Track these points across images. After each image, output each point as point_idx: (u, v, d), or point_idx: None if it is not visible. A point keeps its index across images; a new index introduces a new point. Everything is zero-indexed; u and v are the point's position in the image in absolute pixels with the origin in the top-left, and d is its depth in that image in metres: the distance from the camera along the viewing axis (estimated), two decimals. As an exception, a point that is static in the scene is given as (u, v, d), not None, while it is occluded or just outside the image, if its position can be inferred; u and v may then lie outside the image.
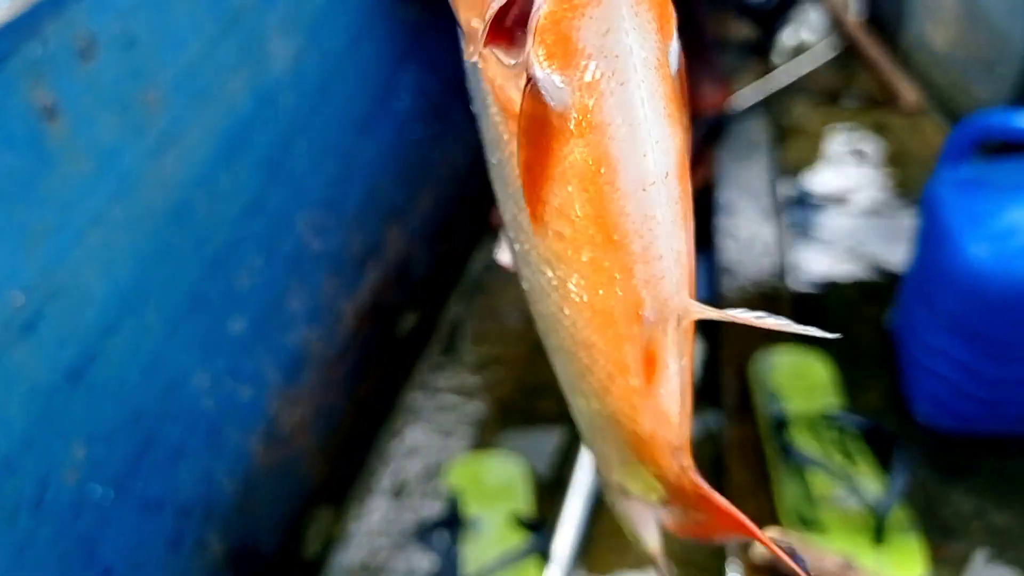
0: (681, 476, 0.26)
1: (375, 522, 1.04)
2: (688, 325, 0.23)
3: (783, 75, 1.78)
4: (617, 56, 0.19)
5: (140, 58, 0.78)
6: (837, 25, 1.74)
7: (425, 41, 1.35)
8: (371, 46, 1.19)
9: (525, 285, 0.27)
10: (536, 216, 0.22)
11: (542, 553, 0.95)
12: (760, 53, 1.92)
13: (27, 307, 0.65)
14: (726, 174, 1.51)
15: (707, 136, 1.63)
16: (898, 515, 0.95)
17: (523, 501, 1.03)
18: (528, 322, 1.35)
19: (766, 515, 0.98)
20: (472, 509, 1.01)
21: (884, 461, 0.99)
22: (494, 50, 0.20)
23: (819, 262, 1.36)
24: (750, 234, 1.36)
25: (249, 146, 0.93)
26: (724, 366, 1.17)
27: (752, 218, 1.40)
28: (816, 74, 1.83)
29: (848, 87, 1.80)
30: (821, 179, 1.55)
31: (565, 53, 0.19)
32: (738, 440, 1.07)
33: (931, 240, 1.02)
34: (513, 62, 0.20)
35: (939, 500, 1.00)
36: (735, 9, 1.85)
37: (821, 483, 0.98)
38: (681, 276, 0.22)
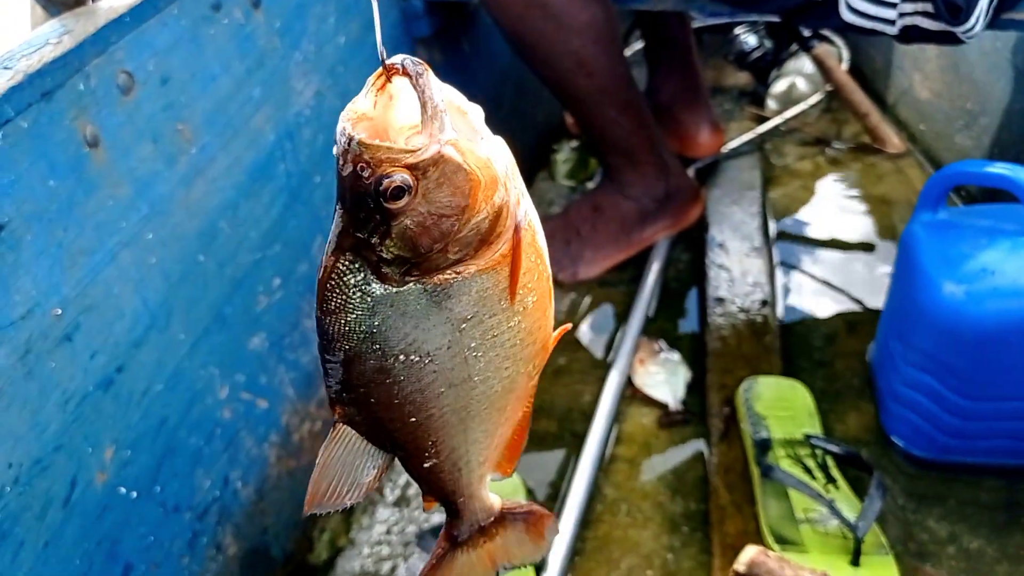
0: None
1: (379, 531, 1.06)
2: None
3: (775, 120, 1.82)
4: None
5: (174, 94, 0.81)
6: (828, 74, 1.77)
7: (439, 82, 1.39)
8: (388, 86, 1.22)
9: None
10: (513, 286, 0.41)
11: (535, 564, 0.96)
12: (754, 99, 1.96)
13: (64, 319, 0.68)
14: (719, 213, 1.53)
15: (701, 177, 1.66)
16: (874, 537, 0.96)
17: (519, 515, 1.04)
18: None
19: (750, 532, 0.99)
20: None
21: (862, 486, 1.01)
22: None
23: (805, 297, 1.38)
24: (741, 269, 1.39)
25: (271, 176, 0.96)
26: (711, 392, 1.19)
27: (743, 254, 1.42)
28: (807, 120, 1.86)
29: (837, 133, 1.83)
30: (810, 219, 1.57)
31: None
32: (724, 463, 1.09)
33: (908, 279, 1.04)
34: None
35: (915, 525, 1.02)
36: (731, 58, 1.88)
37: (802, 504, 1.00)
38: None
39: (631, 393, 1.23)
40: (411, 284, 0.39)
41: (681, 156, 1.60)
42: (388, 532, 1.06)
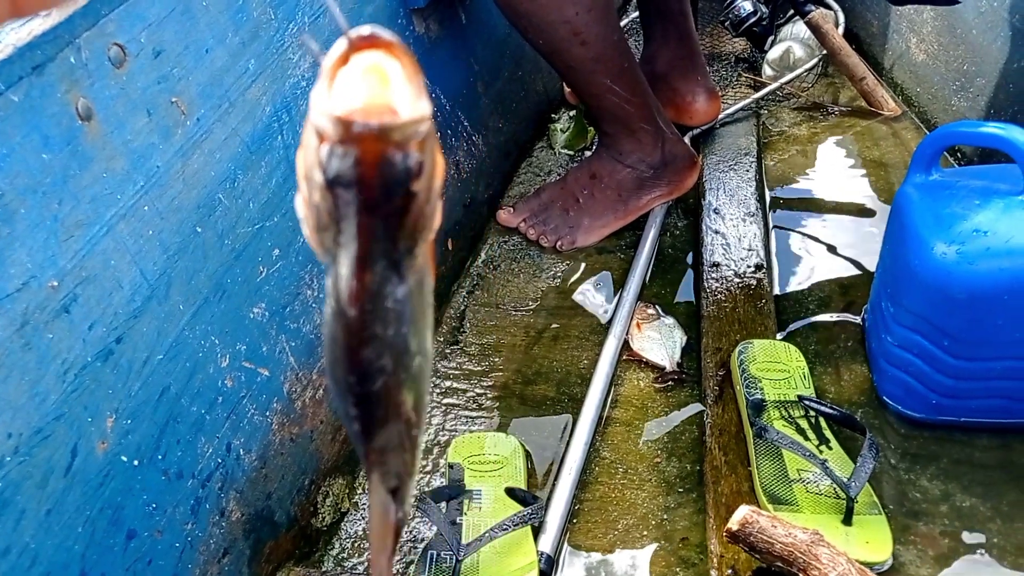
0: None
1: (381, 495, 1.06)
2: None
3: (771, 86, 1.79)
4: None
5: (167, 66, 0.80)
6: (823, 39, 1.75)
7: (434, 55, 1.37)
8: (384, 57, 1.20)
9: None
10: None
11: (534, 524, 0.96)
12: (750, 66, 1.93)
13: (61, 291, 0.67)
14: (716, 179, 1.52)
15: (697, 144, 1.64)
16: (867, 497, 0.96)
17: (518, 477, 1.04)
18: (525, 314, 1.37)
19: (744, 492, 0.99)
20: (471, 483, 1.03)
21: (855, 446, 1.01)
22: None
23: (800, 261, 1.37)
24: (736, 234, 1.38)
25: (269, 148, 0.95)
26: (706, 356, 1.18)
27: (739, 220, 1.41)
28: (803, 86, 1.84)
29: (833, 98, 1.81)
30: (806, 184, 1.56)
31: None
32: (719, 424, 1.08)
33: (900, 240, 1.03)
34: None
35: (908, 484, 1.01)
36: (727, 24, 1.86)
37: (795, 465, 1.00)
38: None
39: (628, 357, 1.23)
40: (412, 275, 0.34)
41: (678, 123, 1.59)
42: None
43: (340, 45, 0.32)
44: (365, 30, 0.32)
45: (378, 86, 0.32)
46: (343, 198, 0.32)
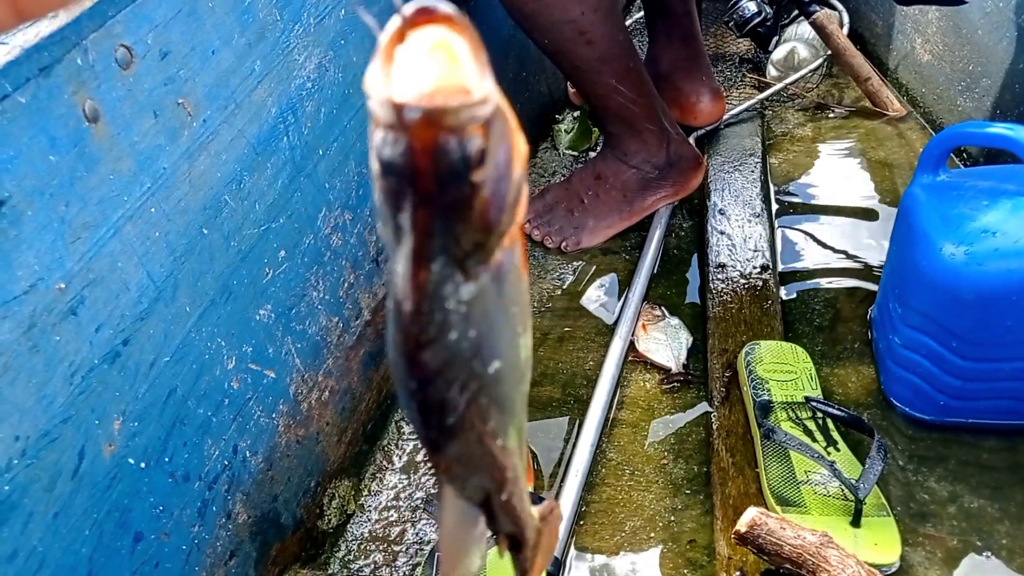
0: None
1: (387, 496, 1.06)
2: None
3: (776, 87, 1.79)
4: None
5: (174, 68, 0.79)
6: (828, 40, 1.74)
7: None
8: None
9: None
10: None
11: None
12: (755, 66, 1.93)
13: (68, 294, 0.67)
14: (721, 180, 1.51)
15: (702, 144, 1.63)
16: (875, 499, 0.96)
17: (525, 480, 1.04)
18: (531, 315, 1.37)
19: (752, 494, 0.99)
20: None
21: (863, 448, 1.00)
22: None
23: (806, 261, 1.36)
24: (742, 235, 1.37)
25: (275, 150, 0.95)
26: (712, 357, 1.18)
27: (744, 220, 1.40)
28: (808, 86, 1.83)
29: (838, 98, 1.80)
30: (811, 184, 1.55)
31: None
32: (726, 426, 1.08)
33: (907, 241, 1.03)
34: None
35: (916, 486, 1.01)
36: (731, 25, 1.85)
37: (803, 466, 0.99)
38: None
39: (634, 358, 1.22)
40: (483, 274, 0.31)
41: (683, 124, 1.58)
42: (396, 498, 1.06)
43: (395, 20, 0.29)
44: (422, 2, 0.29)
45: (433, 65, 0.29)
46: (397, 188, 0.29)
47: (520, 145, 0.31)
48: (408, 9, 0.29)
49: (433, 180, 0.29)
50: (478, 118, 0.28)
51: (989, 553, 0.93)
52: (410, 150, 0.28)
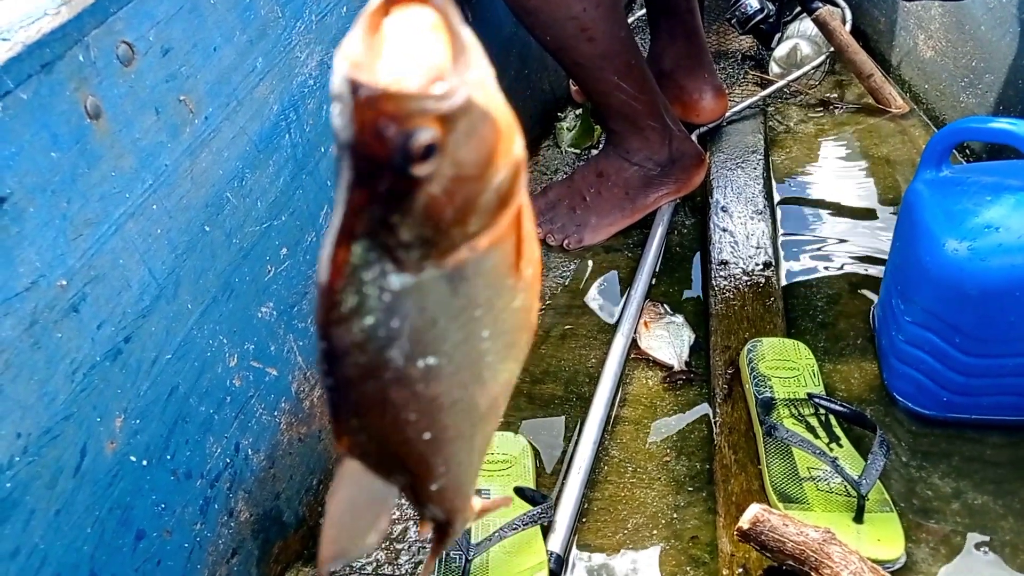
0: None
1: (390, 495, 1.06)
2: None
3: (778, 84, 1.79)
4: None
5: (175, 64, 0.79)
6: (831, 37, 1.74)
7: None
8: (391, 55, 1.20)
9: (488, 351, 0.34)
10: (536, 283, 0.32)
11: (543, 524, 0.96)
12: (757, 63, 1.93)
13: (69, 291, 0.67)
14: (723, 177, 1.51)
15: (704, 141, 1.63)
16: (878, 495, 0.96)
17: (526, 476, 1.04)
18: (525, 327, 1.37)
19: (754, 491, 0.98)
20: (480, 482, 1.03)
21: (865, 444, 1.00)
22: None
23: (809, 258, 1.36)
24: (744, 232, 1.37)
25: (277, 147, 0.94)
26: (715, 354, 1.18)
27: (746, 217, 1.40)
28: (810, 83, 1.83)
29: (841, 95, 1.80)
30: (813, 181, 1.55)
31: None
32: (728, 423, 1.08)
33: (910, 237, 1.02)
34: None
35: (919, 482, 1.01)
36: (733, 21, 1.85)
37: (806, 463, 0.99)
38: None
39: (636, 356, 1.22)
40: (429, 269, 0.31)
41: (685, 121, 1.58)
42: (399, 496, 1.05)
43: None
44: None
45: (402, 48, 0.28)
46: (339, 160, 0.28)
47: (509, 147, 0.30)
48: None
49: (367, 163, 0.28)
50: (431, 110, 0.27)
51: (993, 549, 0.93)
52: (351, 128, 0.27)
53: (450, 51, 0.28)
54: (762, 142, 1.61)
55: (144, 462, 0.74)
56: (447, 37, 0.28)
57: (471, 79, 0.28)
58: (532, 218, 0.35)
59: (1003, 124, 0.95)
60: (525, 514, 0.94)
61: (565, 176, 1.56)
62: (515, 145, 0.31)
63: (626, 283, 1.36)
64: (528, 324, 0.36)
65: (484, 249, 0.31)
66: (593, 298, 1.35)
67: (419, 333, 0.32)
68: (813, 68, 1.81)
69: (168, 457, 0.77)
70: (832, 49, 1.78)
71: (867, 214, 1.45)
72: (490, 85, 0.30)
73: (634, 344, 1.23)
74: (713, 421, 1.10)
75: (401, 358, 0.32)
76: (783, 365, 1.10)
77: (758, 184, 1.48)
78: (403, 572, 0.96)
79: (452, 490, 0.40)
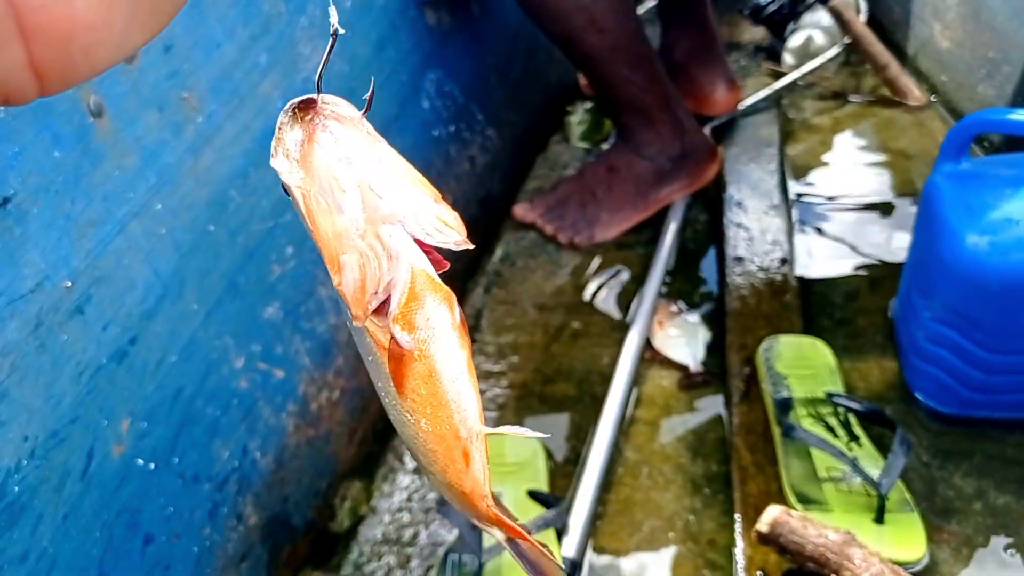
0: (489, 512, 0.41)
1: (400, 498, 1.06)
2: (483, 437, 0.40)
3: (792, 75, 1.78)
4: (433, 326, 0.36)
5: (177, 61, 0.80)
6: (845, 27, 1.74)
7: (446, 47, 1.37)
8: (395, 52, 1.20)
9: (392, 416, 0.41)
10: (400, 391, 0.38)
11: (557, 527, 0.96)
12: (770, 54, 1.92)
13: (74, 292, 0.67)
14: (737, 171, 1.51)
15: (717, 135, 1.63)
16: (899, 495, 0.95)
17: (539, 478, 1.04)
18: (543, 311, 1.37)
19: (772, 493, 0.98)
20: (492, 485, 1.03)
21: (885, 443, 1.00)
22: (372, 319, 0.36)
23: (825, 254, 1.36)
24: (760, 228, 1.37)
25: (281, 144, 0.95)
26: (731, 353, 1.18)
27: (761, 212, 1.40)
28: (825, 74, 1.83)
29: (856, 87, 1.80)
30: (829, 175, 1.55)
31: (408, 325, 0.35)
32: (745, 423, 1.08)
33: (930, 231, 1.02)
34: (381, 324, 0.36)
35: (940, 481, 1.00)
36: (746, 12, 1.85)
37: (825, 463, 0.99)
38: (477, 412, 0.39)
39: (650, 355, 1.22)
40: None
41: (697, 114, 1.58)
42: (409, 499, 1.06)
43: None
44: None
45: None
46: None
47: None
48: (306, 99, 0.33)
49: None
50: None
51: (1017, 550, 0.93)
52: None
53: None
54: (777, 135, 1.61)
55: (151, 465, 0.74)
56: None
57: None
58: (437, 401, 0.41)
59: (1023, 116, 0.95)
60: (539, 517, 0.94)
61: (575, 171, 1.57)
62: (343, 251, 0.36)
63: (639, 280, 1.36)
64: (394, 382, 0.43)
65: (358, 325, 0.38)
66: (605, 296, 1.35)
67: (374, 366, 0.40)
68: (827, 59, 1.81)
69: (175, 460, 0.77)
70: (847, 39, 1.78)
71: (885, 208, 1.45)
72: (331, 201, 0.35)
73: (648, 343, 1.23)
74: (730, 421, 1.10)
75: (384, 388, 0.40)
76: (800, 364, 1.10)
77: (773, 178, 1.48)
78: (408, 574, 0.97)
79: (442, 488, 0.46)
